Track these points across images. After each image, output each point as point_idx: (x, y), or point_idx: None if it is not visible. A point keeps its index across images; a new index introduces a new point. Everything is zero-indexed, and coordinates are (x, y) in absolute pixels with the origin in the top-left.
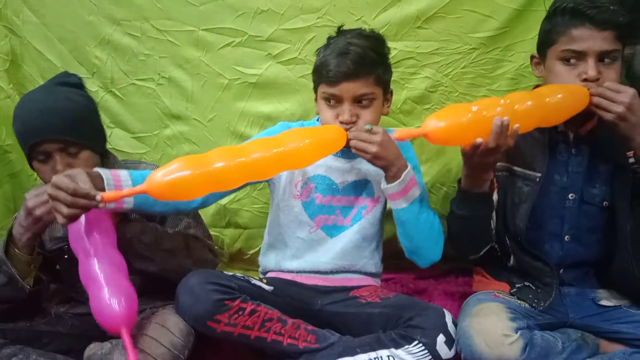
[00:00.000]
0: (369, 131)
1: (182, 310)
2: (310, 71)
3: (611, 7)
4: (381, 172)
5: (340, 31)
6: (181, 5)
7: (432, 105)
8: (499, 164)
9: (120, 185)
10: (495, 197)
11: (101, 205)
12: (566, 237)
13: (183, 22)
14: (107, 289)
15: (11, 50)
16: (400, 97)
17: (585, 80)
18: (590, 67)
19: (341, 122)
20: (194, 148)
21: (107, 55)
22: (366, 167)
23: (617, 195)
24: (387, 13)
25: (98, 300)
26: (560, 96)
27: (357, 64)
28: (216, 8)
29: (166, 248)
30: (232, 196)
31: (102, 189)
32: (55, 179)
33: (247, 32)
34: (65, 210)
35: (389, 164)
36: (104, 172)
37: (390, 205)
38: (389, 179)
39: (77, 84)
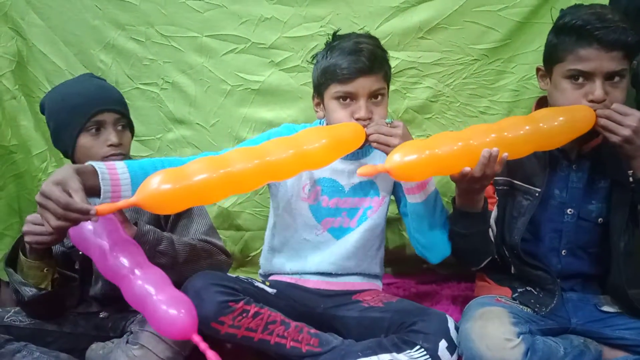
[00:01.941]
0: (390, 125)
1: None
2: None
3: (621, 26)
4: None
5: (337, 36)
6: (185, 12)
7: (433, 115)
8: (500, 178)
9: (117, 179)
10: (494, 212)
11: (94, 219)
12: (563, 251)
13: (187, 28)
14: (163, 302)
15: (17, 51)
16: (401, 107)
17: (591, 101)
18: (597, 88)
19: (358, 119)
20: (196, 152)
21: (112, 59)
22: None
23: (613, 212)
24: (389, 23)
25: (157, 316)
26: (561, 119)
27: (370, 60)
28: (220, 15)
29: (182, 257)
30: (233, 199)
31: (97, 186)
32: (45, 187)
33: (250, 39)
34: (53, 222)
35: None
36: (98, 166)
37: (408, 199)
38: None
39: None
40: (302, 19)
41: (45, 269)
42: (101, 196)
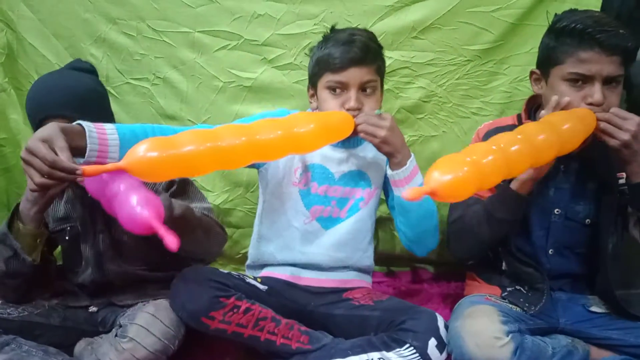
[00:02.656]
0: (378, 116)
1: (177, 306)
2: (305, 77)
3: (620, 32)
4: (378, 163)
5: (334, 29)
6: (177, 7)
7: (425, 115)
8: None
9: (105, 140)
10: None
11: (79, 179)
12: (550, 250)
13: (179, 23)
14: (134, 197)
15: (7, 44)
16: (394, 106)
17: (590, 104)
18: (596, 91)
19: (348, 109)
20: None
21: (103, 53)
22: (363, 158)
23: (602, 214)
24: (383, 22)
25: (126, 206)
26: (571, 124)
27: (363, 51)
28: (212, 10)
29: (190, 222)
30: (224, 197)
31: (82, 146)
32: (31, 143)
33: (243, 35)
34: (37, 179)
35: (395, 150)
36: (87, 126)
37: (395, 192)
38: (394, 165)
39: (90, 70)
40: (296, 17)
41: (38, 239)
42: (86, 155)
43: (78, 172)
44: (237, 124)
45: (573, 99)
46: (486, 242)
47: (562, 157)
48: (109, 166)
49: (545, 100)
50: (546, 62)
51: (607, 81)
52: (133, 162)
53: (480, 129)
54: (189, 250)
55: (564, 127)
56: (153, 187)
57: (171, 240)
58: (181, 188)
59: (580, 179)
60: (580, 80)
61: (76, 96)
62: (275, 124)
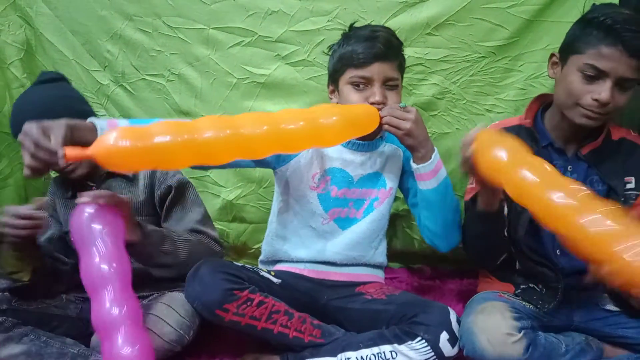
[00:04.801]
0: (403, 109)
1: (192, 298)
2: (319, 73)
3: None
4: (394, 163)
5: (353, 27)
6: (192, 4)
7: (438, 112)
8: None
9: None
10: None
11: (61, 162)
12: (558, 250)
13: (194, 20)
14: (124, 331)
15: (26, 40)
16: (407, 103)
17: (596, 100)
18: (605, 89)
19: (372, 104)
20: None
21: (119, 49)
22: (381, 160)
23: None
24: (397, 19)
25: (110, 344)
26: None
27: (386, 46)
28: (227, 7)
29: (183, 255)
30: (237, 192)
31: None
32: (26, 126)
33: (257, 32)
34: (27, 160)
35: (418, 144)
36: (99, 123)
37: (420, 186)
38: (418, 160)
39: (55, 78)
40: (309, 13)
41: (25, 261)
42: None
43: (60, 154)
44: (222, 115)
45: (580, 91)
46: (487, 240)
47: (571, 157)
48: (90, 151)
49: (557, 85)
50: (567, 49)
51: (620, 82)
52: (99, 151)
53: None
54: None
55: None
56: (151, 192)
57: None
58: (179, 193)
59: (587, 181)
60: (593, 75)
61: (44, 110)
62: (297, 114)
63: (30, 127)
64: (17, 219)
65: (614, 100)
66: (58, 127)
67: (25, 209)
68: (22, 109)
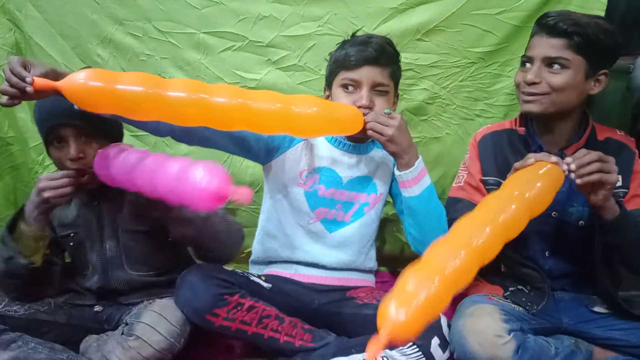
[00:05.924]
0: (388, 115)
1: (182, 303)
2: (310, 78)
3: (572, 18)
4: (385, 169)
5: (355, 35)
6: (183, 8)
7: (429, 117)
8: (490, 177)
9: None
10: None
11: (29, 89)
12: (546, 252)
13: (184, 24)
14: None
15: (16, 43)
16: (398, 108)
17: (524, 81)
18: (531, 71)
19: (360, 107)
20: (191, 149)
21: (109, 53)
22: (372, 164)
23: (593, 217)
24: (387, 24)
25: (185, 183)
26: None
27: (378, 51)
28: (218, 12)
29: (210, 228)
30: None
31: None
32: (12, 57)
33: (247, 37)
34: (3, 85)
35: (402, 150)
36: None
37: (404, 193)
38: (401, 166)
39: None
40: (300, 18)
41: (41, 241)
42: None
43: (27, 79)
44: (232, 85)
45: (519, 81)
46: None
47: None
48: (59, 83)
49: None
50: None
51: (547, 62)
52: (69, 85)
53: (477, 132)
54: (211, 250)
55: (531, 193)
56: None
57: (245, 193)
58: None
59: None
60: (526, 62)
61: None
62: (276, 96)
63: (14, 58)
64: (54, 180)
65: (546, 80)
66: (40, 65)
67: (57, 174)
68: (40, 104)
